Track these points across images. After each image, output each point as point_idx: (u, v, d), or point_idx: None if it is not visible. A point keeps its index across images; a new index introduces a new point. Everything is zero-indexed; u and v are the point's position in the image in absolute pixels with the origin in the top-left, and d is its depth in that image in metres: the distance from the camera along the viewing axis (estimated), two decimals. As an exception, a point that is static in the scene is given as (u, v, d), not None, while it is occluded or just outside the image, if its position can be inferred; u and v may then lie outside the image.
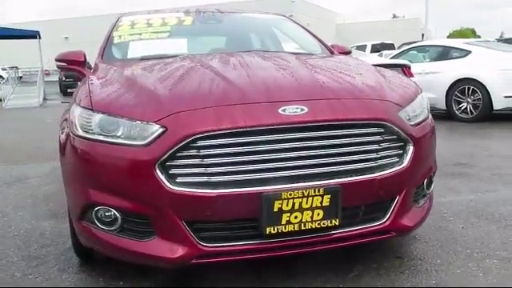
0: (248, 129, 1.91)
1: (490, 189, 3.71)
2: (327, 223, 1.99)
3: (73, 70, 3.39)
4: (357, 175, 2.02)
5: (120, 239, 2.04)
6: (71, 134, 2.18)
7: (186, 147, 1.88)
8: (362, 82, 2.29)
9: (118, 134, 2.01)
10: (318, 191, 1.94)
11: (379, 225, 2.13)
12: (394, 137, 2.11)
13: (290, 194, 1.92)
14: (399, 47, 19.00)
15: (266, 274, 2.34)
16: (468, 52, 7.91)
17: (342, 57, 3.14)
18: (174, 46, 3.33)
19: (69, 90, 23.65)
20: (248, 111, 1.96)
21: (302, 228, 1.97)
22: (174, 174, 1.90)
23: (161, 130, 1.92)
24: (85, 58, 3.30)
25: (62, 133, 2.37)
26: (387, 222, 2.13)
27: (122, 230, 2.04)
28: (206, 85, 2.17)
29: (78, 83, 2.86)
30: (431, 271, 2.31)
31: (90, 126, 2.09)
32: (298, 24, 3.85)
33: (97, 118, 2.07)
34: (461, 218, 3.04)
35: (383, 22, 55.57)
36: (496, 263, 2.37)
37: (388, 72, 2.62)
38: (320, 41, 3.61)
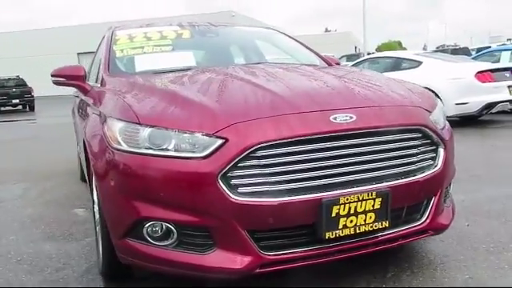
0: (306, 137, 1.96)
1: (475, 189, 3.96)
2: (378, 225, 2.07)
3: (71, 86, 3.28)
4: (402, 178, 2.12)
5: (177, 254, 2.00)
6: (109, 149, 2.12)
7: (247, 157, 1.90)
8: (391, 91, 2.41)
9: (170, 147, 1.99)
10: (371, 195, 2.02)
11: (419, 225, 2.24)
12: (429, 141, 2.24)
13: (347, 199, 1.98)
14: (340, 59, 19.75)
15: (311, 279, 2.37)
16: (419, 63, 8.39)
17: (349, 67, 3.27)
18: (181, 59, 3.31)
19: (2, 109, 22.51)
20: (303, 120, 2.01)
21: (357, 231, 2.04)
22: (235, 184, 1.91)
23: (221, 141, 1.92)
24: (85, 73, 3.21)
25: (91, 150, 2.30)
26: (426, 222, 2.25)
27: (178, 244, 2.00)
28: (251, 96, 2.19)
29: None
30: (460, 267, 2.46)
31: (137, 140, 2.05)
32: (290, 37, 3.96)
33: (146, 131, 2.03)
34: (462, 217, 3.22)
35: (316, 36, 57.47)
36: (510, 256, 2.56)
37: (403, 81, 2.76)
38: (315, 52, 3.73)
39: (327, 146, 1.99)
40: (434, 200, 2.27)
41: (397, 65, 8.82)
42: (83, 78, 3.19)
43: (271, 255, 1.97)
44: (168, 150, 1.99)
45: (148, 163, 2.01)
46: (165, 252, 2.02)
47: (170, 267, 2.04)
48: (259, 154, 1.91)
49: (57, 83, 3.36)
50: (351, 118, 2.06)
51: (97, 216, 2.52)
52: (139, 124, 2.06)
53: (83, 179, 5.17)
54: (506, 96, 7.70)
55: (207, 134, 1.95)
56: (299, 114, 2.04)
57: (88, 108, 3.00)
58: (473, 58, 10.15)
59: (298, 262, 2.01)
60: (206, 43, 3.60)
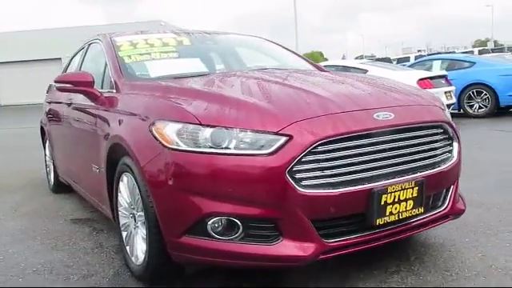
0: (357, 133, 2.16)
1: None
2: (416, 211, 2.32)
3: (78, 92, 3.25)
4: (430, 169, 2.39)
5: (244, 246, 2.11)
6: (165, 150, 2.19)
7: (308, 152, 2.07)
8: (409, 92, 2.69)
9: (231, 145, 2.10)
10: (411, 184, 2.27)
11: (443, 210, 2.52)
12: (446, 136, 2.54)
13: (393, 188, 2.21)
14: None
15: (323, 274, 2.55)
16: (365, 71, 8.93)
17: (349, 73, 3.52)
18: (191, 64, 3.39)
19: None
20: (352, 118, 2.21)
21: (399, 217, 2.27)
22: (299, 178, 2.06)
23: (285, 138, 2.07)
24: (93, 79, 3.19)
25: (137, 153, 2.35)
26: (448, 208, 2.53)
27: (244, 237, 2.11)
28: (296, 97, 2.36)
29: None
30: (470, 247, 2.77)
31: (198, 140, 2.14)
32: (277, 44, 4.17)
33: (208, 131, 2.13)
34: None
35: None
36: (508, 236, 2.92)
37: (406, 83, 3.05)
38: (304, 58, 3.97)
39: (374, 140, 2.21)
40: (452, 188, 2.57)
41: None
42: (91, 84, 3.17)
43: (331, 242, 2.14)
44: (229, 148, 2.10)
45: (213, 161, 2.10)
46: (231, 245, 2.12)
47: (236, 260, 2.14)
48: (319, 149, 2.08)
49: (62, 90, 3.31)
50: (390, 115, 2.29)
51: (139, 218, 2.54)
52: (200, 124, 2.15)
53: (56, 191, 5.02)
54: (444, 101, 8.41)
55: (271, 132, 2.09)
56: (347, 113, 2.24)
57: (102, 113, 3.00)
58: (409, 67, 10.94)
59: (353, 247, 2.20)
60: (209, 50, 3.71)
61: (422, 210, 2.34)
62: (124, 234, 2.78)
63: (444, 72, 9.17)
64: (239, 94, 2.43)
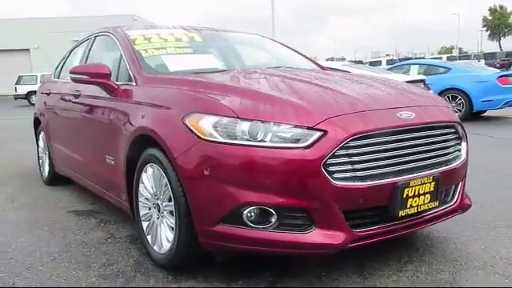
0: (384, 130, 2.31)
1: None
2: (431, 205, 2.49)
3: (94, 84, 3.28)
4: (445, 165, 2.56)
5: (278, 234, 2.22)
6: (201, 142, 2.28)
7: (341, 147, 2.20)
8: (422, 93, 2.86)
9: (267, 138, 2.21)
10: (429, 179, 2.43)
11: (452, 205, 2.69)
12: (457, 135, 2.72)
13: (414, 183, 2.37)
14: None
15: (342, 269, 2.70)
16: (348, 73, 9.16)
17: (361, 74, 3.68)
18: (207, 60, 3.48)
19: None
20: (378, 116, 2.36)
21: (418, 210, 2.43)
22: (332, 170, 2.19)
23: (320, 133, 2.19)
24: (110, 71, 3.23)
25: (170, 144, 2.42)
26: (457, 203, 2.71)
27: (278, 226, 2.23)
28: (325, 95, 2.49)
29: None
30: (472, 240, 2.96)
31: (234, 132, 2.24)
32: (281, 43, 4.30)
33: (245, 124, 2.23)
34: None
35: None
36: (505, 230, 3.13)
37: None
38: (309, 58, 4.11)
39: (398, 137, 2.36)
40: (461, 185, 2.75)
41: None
42: (109, 76, 3.21)
43: (359, 232, 2.28)
44: (265, 141, 2.21)
45: (250, 153, 2.21)
46: (265, 234, 2.23)
47: (270, 247, 2.25)
48: (350, 144, 2.22)
49: (77, 81, 3.33)
50: (411, 115, 2.45)
51: (166, 208, 2.61)
52: (238, 118, 2.25)
53: (50, 183, 5.00)
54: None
55: (307, 127, 2.21)
56: (374, 111, 2.38)
57: (121, 105, 3.04)
58: (388, 70, 11.25)
59: (377, 237, 2.34)
60: (220, 46, 3.79)
61: (436, 203, 2.51)
62: (145, 223, 2.85)
63: (423, 76, 9.50)
64: (269, 90, 2.55)
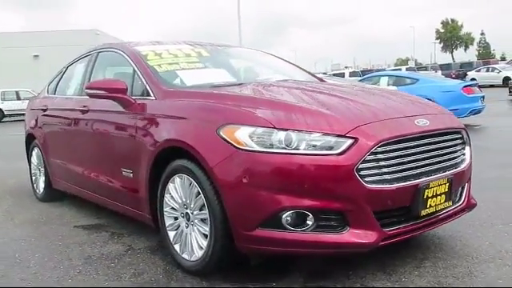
0: (406, 136, 2.52)
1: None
2: (446, 204, 2.71)
3: (110, 98, 3.35)
4: (455, 168, 2.79)
5: (315, 235, 2.37)
6: (238, 152, 2.42)
7: (371, 153, 2.39)
8: (427, 102, 3.10)
9: (302, 146, 2.38)
10: (444, 180, 2.65)
11: (461, 205, 2.92)
12: (462, 140, 2.96)
13: (434, 184, 2.58)
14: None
15: (366, 268, 2.87)
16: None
17: (369, 85, 3.90)
18: (220, 74, 3.61)
19: None
20: (399, 124, 2.57)
21: (436, 209, 2.64)
22: (363, 174, 2.37)
23: (351, 140, 2.37)
24: (127, 86, 3.32)
25: (205, 155, 2.54)
26: (464, 203, 2.94)
27: (316, 228, 2.38)
28: (347, 105, 2.68)
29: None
30: (475, 237, 3.20)
31: (271, 141, 2.39)
32: (277, 56, 4.49)
33: (281, 134, 2.38)
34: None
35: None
36: (502, 227, 3.39)
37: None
38: (309, 72, 4.32)
39: (418, 143, 2.57)
40: (467, 186, 2.99)
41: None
42: (126, 91, 3.29)
43: (388, 230, 2.46)
44: (300, 148, 2.37)
45: (287, 160, 2.36)
46: (303, 236, 2.38)
47: (308, 248, 2.40)
48: (377, 149, 2.41)
49: (94, 96, 3.40)
50: (427, 122, 2.67)
51: (197, 216, 2.71)
52: (274, 128, 2.40)
53: (45, 199, 4.97)
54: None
55: (339, 135, 2.38)
56: (395, 119, 2.60)
57: (141, 119, 3.13)
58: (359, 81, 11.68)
59: (403, 235, 2.54)
60: (227, 61, 3.94)
61: (450, 203, 2.74)
62: (171, 233, 2.93)
63: (394, 87, 9.93)
64: (296, 101, 2.72)
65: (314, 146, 2.38)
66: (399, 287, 2.51)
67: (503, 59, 62.14)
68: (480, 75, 29.84)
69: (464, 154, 2.95)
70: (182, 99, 3.01)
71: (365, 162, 2.37)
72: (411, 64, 60.34)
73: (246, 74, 3.90)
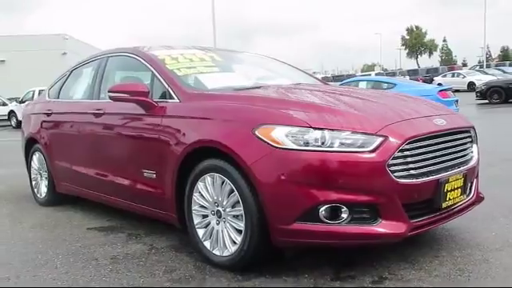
0: (428, 134, 2.72)
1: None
2: (461, 198, 2.93)
3: (133, 101, 3.43)
4: (466, 164, 3.01)
5: (350, 227, 2.54)
6: (276, 150, 2.57)
7: (399, 150, 2.58)
8: (437, 104, 3.33)
9: (336, 144, 2.55)
10: (460, 175, 2.87)
11: (471, 198, 3.15)
12: (471, 139, 3.19)
13: (452, 179, 2.79)
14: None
15: (389, 259, 3.06)
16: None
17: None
18: (236, 78, 3.75)
19: None
20: (421, 123, 2.78)
21: (453, 202, 2.86)
22: (393, 170, 2.56)
23: (382, 138, 2.55)
24: (149, 89, 3.42)
25: (243, 154, 2.66)
26: (474, 196, 3.17)
27: (350, 220, 2.54)
28: (372, 106, 2.87)
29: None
30: (481, 230, 3.43)
31: (307, 140, 2.55)
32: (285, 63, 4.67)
33: (317, 133, 2.55)
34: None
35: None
36: (503, 220, 3.64)
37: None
38: (313, 76, 4.51)
39: (438, 140, 2.78)
40: (475, 181, 3.22)
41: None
42: (148, 94, 3.39)
43: (415, 222, 2.65)
44: (335, 146, 2.54)
45: (323, 157, 2.52)
46: (339, 228, 2.54)
47: (344, 240, 2.56)
48: (405, 147, 2.60)
49: (117, 99, 3.47)
50: (443, 121, 2.89)
51: (230, 213, 2.83)
52: (310, 127, 2.56)
53: (47, 203, 4.96)
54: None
55: (370, 134, 2.56)
56: (417, 119, 2.80)
57: (168, 121, 3.23)
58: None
59: (428, 226, 2.73)
60: (239, 65, 4.08)
61: (464, 196, 2.96)
62: (200, 231, 3.04)
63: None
64: (323, 102, 2.89)
65: (347, 144, 2.55)
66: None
67: (464, 65, 64.51)
68: (446, 80, 30.85)
69: (472, 152, 3.18)
70: (210, 101, 3.14)
71: (394, 158, 2.56)
72: (377, 70, 61.77)
73: (259, 78, 4.04)
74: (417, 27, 75.92)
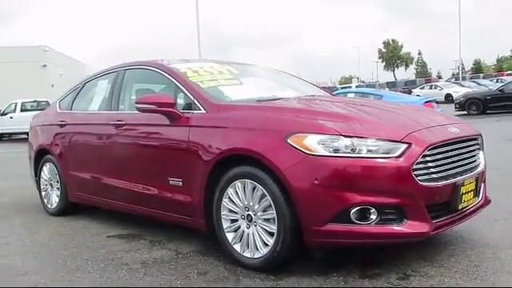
0: (446, 141, 2.96)
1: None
2: (474, 200, 3.18)
3: (159, 112, 3.59)
4: (476, 169, 3.26)
5: (379, 228, 2.74)
6: (309, 157, 2.77)
7: (422, 155, 2.81)
8: (444, 113, 3.58)
9: (364, 150, 2.76)
10: (472, 179, 3.12)
11: (480, 201, 3.39)
12: (479, 146, 3.45)
13: (467, 182, 3.03)
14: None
15: (408, 257, 3.27)
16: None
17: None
18: (256, 90, 3.94)
19: None
20: (438, 131, 3.02)
21: (467, 204, 3.10)
22: (416, 174, 2.78)
23: (406, 145, 2.78)
24: (175, 101, 3.59)
25: (276, 161, 2.85)
26: (482, 199, 3.42)
27: (379, 221, 2.75)
28: (392, 115, 3.11)
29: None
30: (487, 231, 3.67)
31: (337, 147, 2.76)
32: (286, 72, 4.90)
33: (347, 140, 2.76)
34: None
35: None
36: (504, 222, 3.90)
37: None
38: (319, 87, 4.75)
39: (454, 147, 3.03)
40: (483, 185, 3.47)
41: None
42: (174, 105, 3.56)
43: (436, 222, 2.87)
44: (363, 152, 2.75)
45: (353, 163, 2.73)
46: (368, 228, 2.74)
47: (373, 239, 2.77)
48: (426, 152, 2.83)
49: (144, 110, 3.62)
50: (457, 129, 3.14)
51: (261, 216, 3.00)
52: (341, 135, 2.77)
53: (58, 213, 5.05)
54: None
55: (396, 141, 2.79)
56: (434, 127, 3.04)
57: (195, 131, 3.39)
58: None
59: (447, 226, 2.96)
60: (256, 78, 4.29)
61: (476, 199, 3.20)
62: (230, 235, 3.20)
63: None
64: (347, 112, 3.11)
65: (375, 151, 2.76)
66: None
67: (439, 77, 66.20)
68: (424, 92, 31.66)
69: (480, 158, 3.44)
70: (238, 112, 3.32)
71: (417, 163, 2.78)
72: (355, 82, 62.80)
73: (276, 90, 4.24)
74: (393, 40, 77.74)
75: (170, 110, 3.55)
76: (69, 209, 5.02)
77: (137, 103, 3.64)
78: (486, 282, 2.73)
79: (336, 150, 2.76)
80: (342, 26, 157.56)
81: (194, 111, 3.52)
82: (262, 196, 2.99)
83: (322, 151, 2.76)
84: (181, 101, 3.69)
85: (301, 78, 4.83)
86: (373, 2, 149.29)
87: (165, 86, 3.98)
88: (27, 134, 20.25)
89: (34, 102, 20.95)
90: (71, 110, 5.05)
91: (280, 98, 3.67)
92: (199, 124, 3.42)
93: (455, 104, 20.45)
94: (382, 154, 2.76)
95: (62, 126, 4.93)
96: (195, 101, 3.54)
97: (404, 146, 2.78)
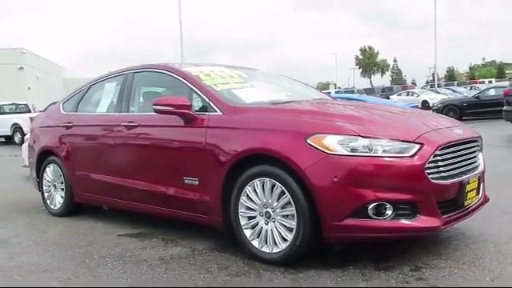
0: (453, 142, 3.18)
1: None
2: (476, 198, 3.40)
3: (177, 114, 3.71)
4: (477, 169, 3.49)
5: (394, 223, 2.93)
6: (329, 156, 2.94)
7: (434, 155, 3.01)
8: (446, 117, 3.81)
9: (380, 150, 2.95)
10: (475, 178, 3.34)
11: (480, 199, 3.62)
12: (479, 147, 3.68)
13: (472, 180, 3.26)
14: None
15: (418, 252, 3.47)
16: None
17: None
18: (267, 93, 4.10)
19: None
20: (447, 132, 3.24)
21: (471, 202, 3.32)
22: (428, 172, 2.98)
23: (419, 145, 2.98)
24: (191, 103, 3.72)
25: (297, 161, 3.01)
26: (482, 197, 3.65)
27: (394, 216, 2.93)
28: (402, 118, 3.31)
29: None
30: (485, 227, 3.89)
31: (355, 147, 2.94)
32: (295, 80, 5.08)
33: (364, 141, 2.94)
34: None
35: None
36: (499, 220, 4.14)
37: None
38: (320, 91, 4.94)
39: (459, 148, 3.24)
40: (483, 184, 3.70)
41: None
42: (190, 107, 3.69)
43: (445, 217, 3.08)
44: (379, 152, 2.94)
45: (370, 162, 2.92)
46: (384, 223, 2.92)
47: (389, 233, 2.96)
48: (437, 152, 3.04)
49: (161, 112, 3.73)
50: (461, 131, 3.36)
51: (280, 213, 3.15)
52: (359, 136, 2.95)
53: (63, 214, 5.09)
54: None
55: (409, 141, 2.98)
56: (442, 129, 3.26)
57: (212, 132, 3.53)
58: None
59: (454, 221, 3.17)
60: (264, 82, 4.45)
61: (478, 197, 3.43)
62: (248, 231, 3.34)
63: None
64: (360, 115, 3.30)
65: (390, 150, 2.95)
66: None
67: (414, 84, 67.57)
68: (401, 98, 32.29)
69: (479, 159, 3.67)
70: (255, 114, 3.47)
71: (429, 162, 2.98)
72: (332, 88, 63.56)
73: (285, 92, 4.41)
74: (369, 47, 79.12)
75: (187, 111, 3.67)
76: (72, 210, 5.07)
77: (154, 105, 3.75)
78: (493, 273, 2.94)
79: (354, 150, 2.94)
80: (318, 33, 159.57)
81: (210, 113, 3.65)
82: (281, 193, 3.14)
83: (341, 151, 2.94)
84: (194, 103, 3.82)
85: (304, 83, 5.01)
86: (348, 10, 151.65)
87: (177, 89, 4.09)
88: (5, 137, 19.69)
89: (13, 104, 20.60)
90: (76, 111, 5.11)
91: (292, 101, 3.84)
92: (216, 125, 3.56)
93: (433, 110, 20.99)
94: (397, 153, 2.95)
95: (67, 127, 4.99)
96: (211, 103, 3.68)
97: (417, 147, 2.98)
